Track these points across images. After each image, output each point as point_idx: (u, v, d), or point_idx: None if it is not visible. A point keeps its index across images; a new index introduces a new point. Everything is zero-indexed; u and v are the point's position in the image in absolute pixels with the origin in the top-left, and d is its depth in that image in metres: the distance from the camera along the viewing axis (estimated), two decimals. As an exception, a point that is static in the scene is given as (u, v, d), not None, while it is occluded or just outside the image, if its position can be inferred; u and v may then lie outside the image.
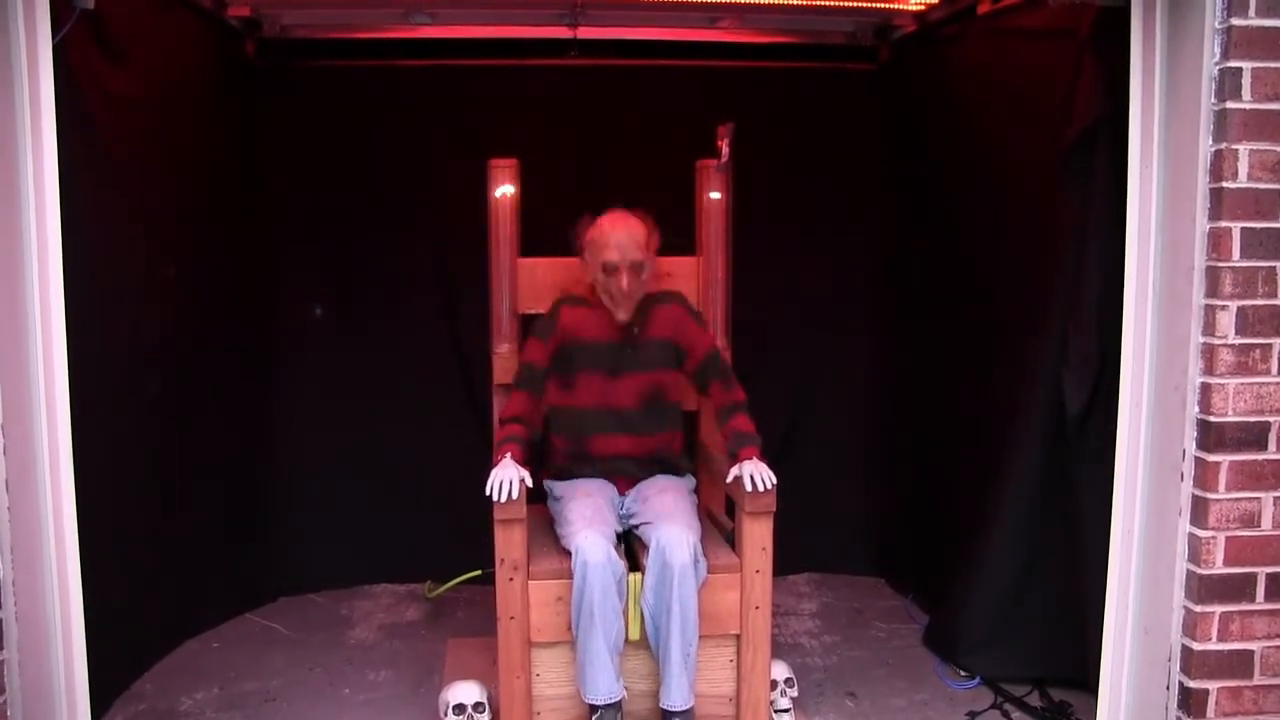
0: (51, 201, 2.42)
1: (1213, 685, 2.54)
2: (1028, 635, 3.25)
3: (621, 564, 2.86)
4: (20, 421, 2.38)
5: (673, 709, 2.85)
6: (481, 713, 2.98)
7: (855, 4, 3.89)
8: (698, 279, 3.40)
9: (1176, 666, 2.58)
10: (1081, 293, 2.91)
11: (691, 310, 3.25)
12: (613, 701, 2.83)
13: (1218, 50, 2.42)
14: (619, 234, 3.04)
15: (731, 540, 3.06)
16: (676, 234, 3.29)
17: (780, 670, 3.10)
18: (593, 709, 2.84)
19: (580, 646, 2.84)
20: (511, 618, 2.88)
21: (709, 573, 2.91)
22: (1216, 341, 2.46)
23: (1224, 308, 2.45)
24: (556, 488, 3.16)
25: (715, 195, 3.36)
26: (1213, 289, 2.46)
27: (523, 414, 3.06)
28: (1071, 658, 3.05)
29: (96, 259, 2.81)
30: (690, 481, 3.23)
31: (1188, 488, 2.54)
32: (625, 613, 2.87)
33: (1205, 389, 2.49)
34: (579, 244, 3.12)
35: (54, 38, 2.38)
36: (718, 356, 3.19)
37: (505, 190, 3.28)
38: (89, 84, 2.76)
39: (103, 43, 2.84)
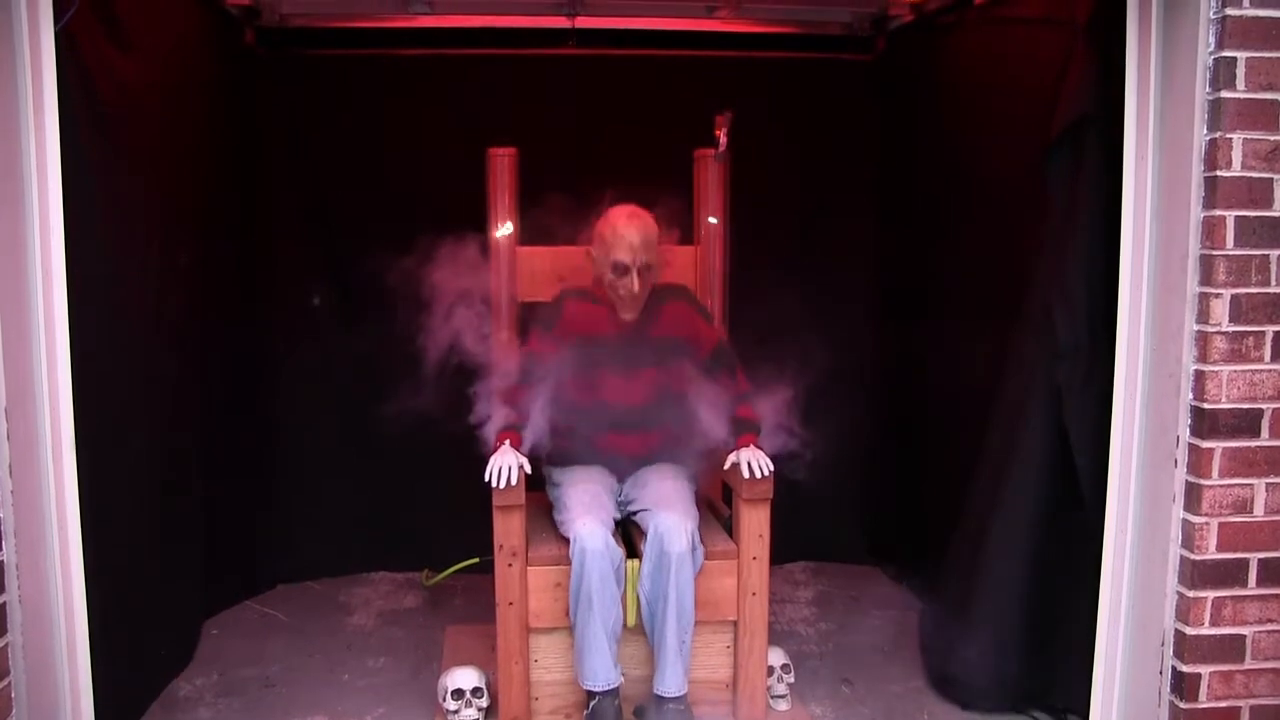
0: (54, 187, 2.42)
1: (1205, 670, 2.56)
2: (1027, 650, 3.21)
3: (619, 551, 2.87)
4: (24, 407, 2.39)
5: (666, 695, 2.87)
6: (480, 697, 3.00)
7: (852, -6, 3.92)
8: (695, 268, 3.42)
9: (1169, 651, 2.60)
10: (1069, 284, 2.91)
11: (698, 305, 3.23)
12: (610, 688, 2.85)
13: (1212, 40, 2.44)
14: (633, 235, 2.96)
15: (729, 527, 3.08)
16: (674, 222, 3.30)
17: (777, 656, 3.12)
18: (590, 695, 2.86)
19: (578, 633, 2.86)
20: (510, 603, 2.90)
21: (706, 559, 2.93)
22: (1210, 329, 2.48)
23: (1218, 296, 2.47)
24: (555, 473, 3.17)
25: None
26: (1207, 277, 2.48)
27: (522, 402, 3.05)
28: (1067, 662, 3.06)
29: (105, 246, 2.81)
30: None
31: (1181, 474, 2.56)
32: (623, 599, 2.88)
33: (1199, 376, 2.51)
34: (589, 235, 3.06)
35: (56, 24, 2.39)
36: (725, 350, 3.15)
37: (503, 179, 3.29)
38: (97, 71, 2.76)
39: (109, 30, 2.85)
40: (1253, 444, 2.52)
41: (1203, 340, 2.49)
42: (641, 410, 3.09)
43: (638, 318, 3.09)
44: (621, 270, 2.99)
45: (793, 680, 3.16)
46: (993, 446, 3.28)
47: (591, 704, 2.86)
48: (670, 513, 2.87)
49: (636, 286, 2.99)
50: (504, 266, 3.33)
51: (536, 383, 3.03)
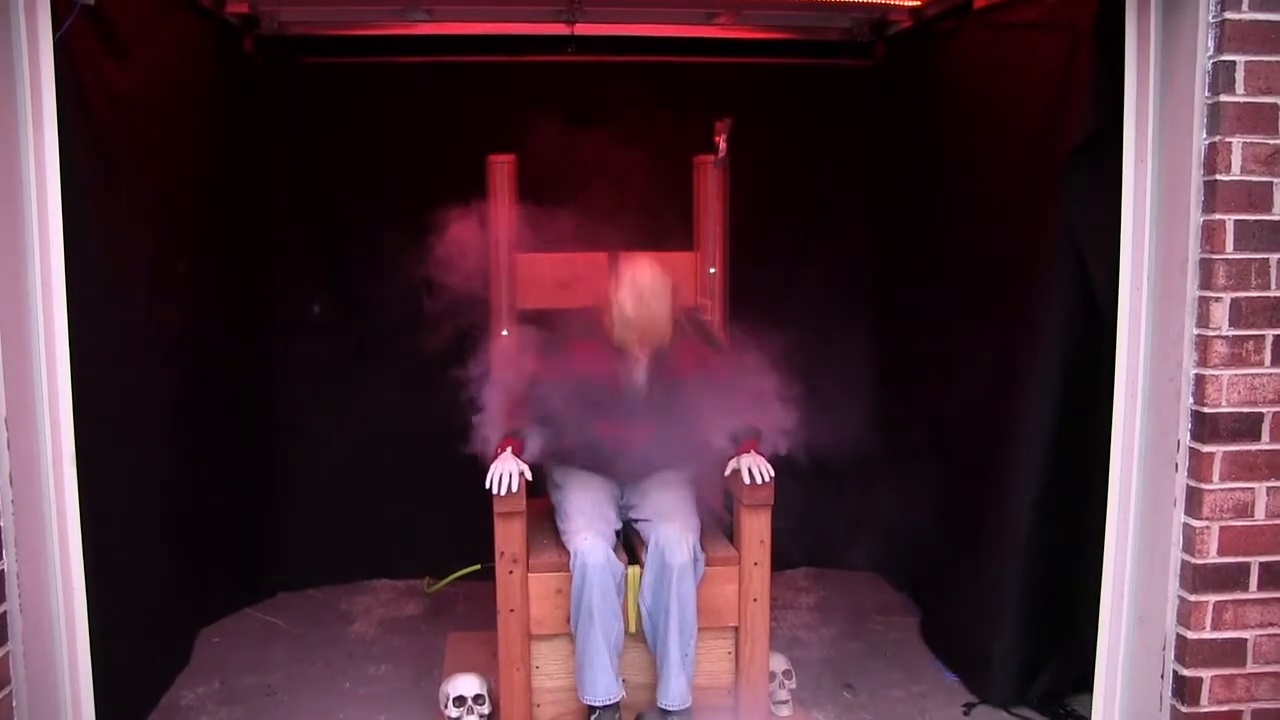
0: (53, 198, 2.43)
1: (1206, 673, 2.56)
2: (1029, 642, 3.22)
3: (621, 565, 2.87)
4: (24, 416, 2.39)
5: (670, 708, 2.86)
6: (481, 704, 3.00)
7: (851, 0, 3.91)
8: (695, 274, 3.42)
9: (1171, 655, 2.60)
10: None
11: (705, 334, 3.16)
12: (611, 702, 2.85)
13: (1211, 44, 2.44)
14: (642, 320, 2.87)
15: (730, 533, 3.07)
16: (674, 228, 3.30)
17: (779, 662, 3.11)
18: (591, 709, 2.86)
19: (579, 647, 2.85)
20: (511, 610, 2.89)
21: (707, 565, 2.92)
22: (1210, 333, 2.48)
23: (1218, 300, 2.47)
24: (557, 473, 3.15)
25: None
26: (1206, 281, 2.48)
27: (523, 413, 3.02)
28: (1071, 661, 3.06)
29: (104, 256, 2.82)
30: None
31: (1182, 478, 2.56)
32: (623, 606, 2.88)
33: (1199, 380, 2.51)
34: (607, 289, 2.95)
35: (55, 34, 2.39)
36: (733, 379, 3.06)
37: (503, 186, 3.29)
38: (94, 82, 2.77)
39: (106, 41, 2.85)
40: (1253, 448, 2.52)
41: (1203, 344, 2.50)
42: (650, 450, 3.04)
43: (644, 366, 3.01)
44: (626, 350, 2.95)
45: (794, 686, 3.15)
46: (998, 455, 3.28)
47: (592, 718, 2.85)
48: (671, 524, 2.87)
49: (644, 363, 2.96)
50: (503, 274, 3.32)
51: (534, 412, 2.99)
